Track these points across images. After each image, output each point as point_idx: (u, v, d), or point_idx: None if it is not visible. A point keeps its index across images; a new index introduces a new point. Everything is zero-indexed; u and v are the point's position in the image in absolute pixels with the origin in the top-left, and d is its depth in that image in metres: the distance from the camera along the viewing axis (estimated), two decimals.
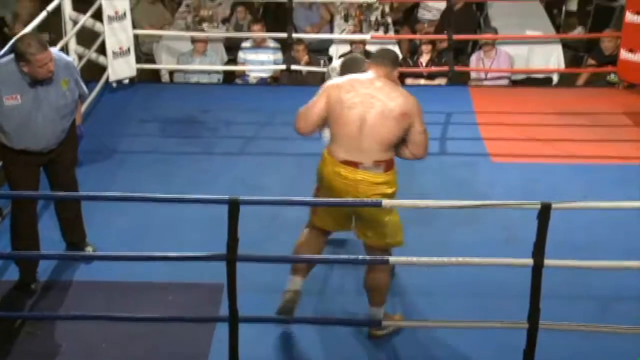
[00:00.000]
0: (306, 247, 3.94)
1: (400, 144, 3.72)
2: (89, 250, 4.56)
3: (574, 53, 8.30)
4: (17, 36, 4.10)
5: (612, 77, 6.97)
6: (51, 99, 4.01)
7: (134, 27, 6.86)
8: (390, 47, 7.48)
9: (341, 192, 3.68)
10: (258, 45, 7.42)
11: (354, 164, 3.64)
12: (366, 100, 3.62)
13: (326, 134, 3.90)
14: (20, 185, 4.14)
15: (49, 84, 3.98)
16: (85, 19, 6.42)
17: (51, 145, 4.13)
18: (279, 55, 7.44)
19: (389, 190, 3.70)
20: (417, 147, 3.73)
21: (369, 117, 3.60)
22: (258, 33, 7.35)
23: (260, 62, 7.40)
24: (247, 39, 7.51)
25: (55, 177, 4.29)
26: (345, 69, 4.01)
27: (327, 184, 3.74)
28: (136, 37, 7.06)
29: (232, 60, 7.73)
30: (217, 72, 7.44)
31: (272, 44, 7.48)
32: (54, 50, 4.10)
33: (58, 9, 6.20)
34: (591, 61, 7.32)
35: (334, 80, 3.83)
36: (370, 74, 3.73)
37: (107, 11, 6.43)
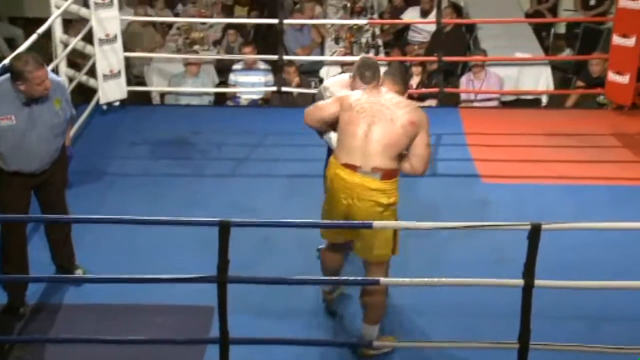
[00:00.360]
0: (327, 261, 4.08)
1: (402, 157, 3.76)
2: (78, 273, 4.53)
3: (563, 75, 8.38)
4: (11, 56, 4.13)
5: (601, 99, 7.03)
6: (45, 118, 4.02)
7: (125, 49, 6.89)
8: (381, 69, 7.55)
9: (339, 194, 3.74)
10: (249, 67, 7.45)
11: (353, 167, 3.69)
12: (375, 107, 3.70)
13: (333, 140, 3.90)
14: (10, 207, 4.11)
15: (43, 102, 3.99)
16: (75, 42, 6.43)
17: (44, 166, 4.13)
18: (270, 77, 7.47)
19: (384, 199, 3.70)
20: (419, 161, 3.73)
21: (376, 122, 3.67)
22: (249, 55, 7.39)
23: (251, 84, 7.43)
24: (238, 61, 7.54)
25: (46, 198, 4.29)
26: (359, 69, 3.99)
27: (329, 185, 3.81)
28: (127, 59, 7.08)
29: (223, 83, 7.76)
30: (208, 94, 7.46)
31: (262, 65, 7.51)
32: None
33: (48, 32, 6.21)
34: (580, 83, 7.38)
35: (346, 93, 3.90)
36: (381, 88, 3.82)
37: (97, 34, 6.45)
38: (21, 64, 3.86)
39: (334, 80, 4.42)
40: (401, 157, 3.74)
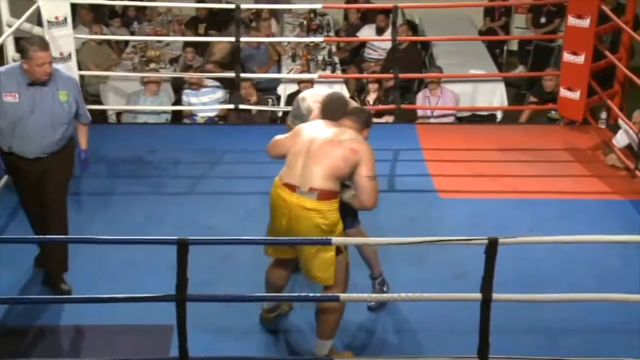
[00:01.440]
0: (272, 276, 4.10)
1: (351, 193, 3.83)
2: (66, 289, 4.52)
3: (516, 91, 8.52)
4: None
5: (553, 114, 7.17)
6: (46, 104, 4.21)
7: (80, 68, 6.81)
8: (338, 86, 7.62)
9: (277, 213, 3.81)
10: (197, 88, 7.42)
11: (292, 187, 3.74)
12: (321, 134, 3.79)
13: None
14: (24, 196, 4.42)
15: (46, 87, 4.21)
16: None
17: (39, 154, 4.27)
18: (220, 94, 7.45)
19: (320, 220, 3.72)
20: (363, 194, 3.77)
21: (317, 142, 3.75)
22: (204, 74, 7.36)
23: (203, 103, 7.41)
24: (189, 82, 7.50)
25: (44, 196, 4.36)
26: (323, 105, 4.08)
27: (271, 204, 3.86)
28: (82, 78, 7.00)
29: (179, 101, 7.72)
30: (166, 112, 7.42)
31: (210, 83, 7.48)
32: (60, 66, 4.39)
33: (0, 50, 6.13)
34: (532, 98, 7.51)
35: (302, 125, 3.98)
36: (335, 123, 3.89)
37: (52, 52, 6.36)
38: (28, 43, 4.16)
39: (312, 92, 4.51)
40: (338, 182, 3.77)
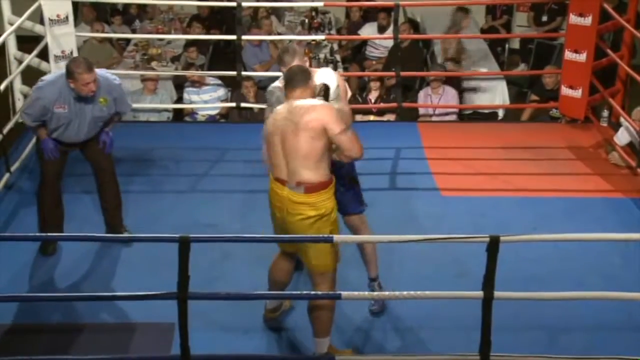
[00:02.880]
0: (275, 270, 4.11)
1: (337, 153, 3.83)
2: (127, 233, 5.05)
3: (518, 89, 8.52)
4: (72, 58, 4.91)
5: (554, 112, 7.16)
6: (88, 112, 4.71)
7: None
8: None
9: (274, 207, 3.87)
10: (199, 86, 7.42)
11: (283, 182, 3.79)
12: (283, 122, 3.76)
13: None
14: (48, 165, 4.80)
15: (89, 101, 4.66)
16: (30, 59, 6.35)
17: (80, 141, 4.84)
18: (222, 91, 7.45)
19: (312, 212, 3.75)
20: (344, 149, 3.76)
21: (287, 138, 3.74)
22: (205, 72, 7.35)
23: (204, 101, 7.41)
24: (190, 80, 7.50)
25: (94, 161, 4.97)
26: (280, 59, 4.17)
27: (269, 199, 3.90)
28: None
29: (182, 98, 7.72)
30: (167, 110, 7.41)
31: (212, 81, 7.48)
32: (101, 71, 4.82)
33: (2, 48, 6.13)
34: (534, 97, 7.50)
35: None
36: (287, 102, 3.85)
37: (53, 50, 6.37)
38: (74, 65, 4.57)
39: (276, 84, 4.40)
40: (325, 164, 3.76)
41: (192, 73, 7.54)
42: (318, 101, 3.84)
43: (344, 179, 4.13)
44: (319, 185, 3.75)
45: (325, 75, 4.14)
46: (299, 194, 3.74)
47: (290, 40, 8.40)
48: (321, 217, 3.77)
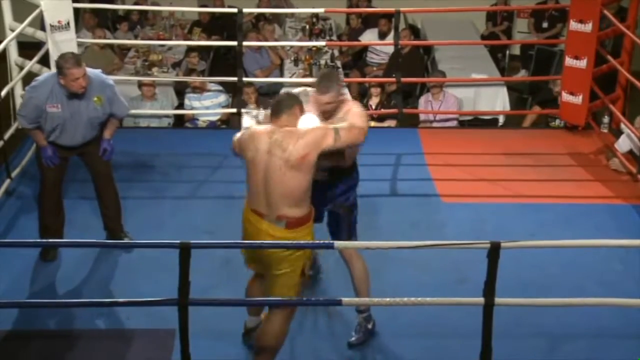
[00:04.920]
0: (252, 290, 4.01)
1: (339, 157, 3.76)
2: (127, 238, 5.01)
3: (519, 95, 8.53)
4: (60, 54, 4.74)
5: (555, 123, 7.17)
6: (83, 111, 4.65)
7: None
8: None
9: (248, 237, 3.73)
10: (200, 92, 7.42)
11: (260, 214, 3.65)
12: (267, 158, 3.58)
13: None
14: (48, 171, 4.78)
15: (82, 98, 4.61)
16: (31, 65, 6.36)
17: (80, 142, 4.78)
18: (223, 97, 7.45)
19: (289, 249, 3.62)
20: (351, 145, 3.70)
21: (270, 175, 3.58)
22: (206, 78, 7.36)
23: (205, 107, 7.41)
24: (192, 86, 7.50)
25: (92, 166, 4.93)
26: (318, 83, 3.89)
27: (243, 223, 3.78)
28: None
29: (183, 104, 7.72)
30: (167, 116, 7.42)
31: (213, 87, 7.49)
32: (94, 70, 4.76)
33: (3, 54, 6.14)
34: (537, 107, 7.46)
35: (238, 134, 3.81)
36: (270, 127, 3.67)
37: (54, 57, 6.36)
38: (62, 61, 4.51)
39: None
40: (307, 199, 3.63)
41: (193, 79, 7.54)
42: (298, 128, 3.63)
43: (339, 209, 4.06)
44: (300, 220, 3.64)
45: (308, 121, 3.79)
46: (279, 229, 3.62)
47: (291, 47, 8.43)
48: (299, 255, 3.66)
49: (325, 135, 3.62)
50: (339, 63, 8.29)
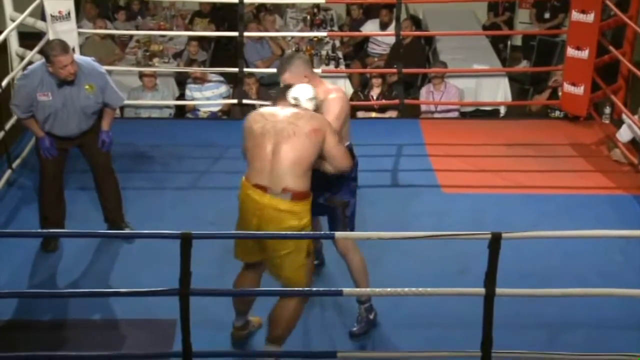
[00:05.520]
0: (241, 284, 3.99)
1: (321, 161, 3.75)
2: (128, 229, 5.01)
3: (520, 86, 8.51)
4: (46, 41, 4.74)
5: (556, 114, 7.17)
6: (75, 99, 4.59)
7: None
8: (341, 81, 7.61)
9: (249, 214, 3.73)
10: (201, 82, 7.41)
11: (264, 189, 3.65)
12: (278, 125, 3.66)
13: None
14: (47, 162, 4.75)
15: (73, 85, 4.56)
16: (32, 55, 6.35)
17: (75, 132, 4.73)
18: (224, 88, 7.44)
19: (294, 222, 3.65)
20: (337, 160, 3.73)
21: (281, 141, 3.63)
22: (207, 68, 7.35)
23: (206, 98, 7.40)
24: (193, 77, 7.49)
25: (91, 157, 4.90)
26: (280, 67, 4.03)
27: (240, 206, 3.78)
28: None
29: (184, 95, 7.72)
30: (168, 106, 7.41)
31: (214, 77, 7.48)
32: (85, 58, 4.74)
33: (4, 44, 6.13)
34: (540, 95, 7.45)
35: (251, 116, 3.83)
36: (279, 106, 3.78)
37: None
38: (49, 48, 4.48)
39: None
40: (309, 174, 3.68)
41: (193, 69, 7.54)
42: (313, 112, 3.75)
43: (332, 203, 4.06)
44: (303, 194, 3.66)
45: (300, 88, 3.84)
46: (284, 201, 3.62)
47: (292, 37, 8.41)
48: (300, 229, 3.67)
49: (334, 132, 3.70)
50: (340, 54, 8.27)
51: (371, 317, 4.26)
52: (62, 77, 4.50)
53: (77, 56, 4.57)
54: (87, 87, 4.60)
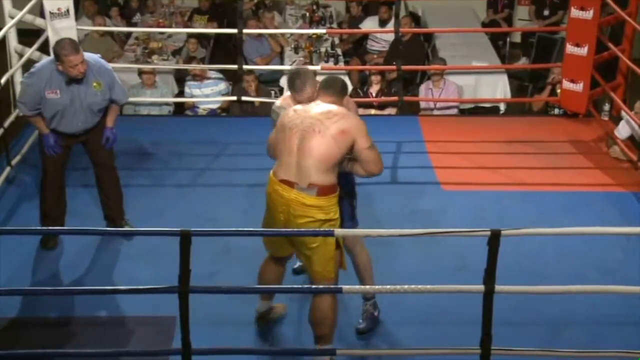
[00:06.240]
0: (266, 273, 4.04)
1: (354, 163, 3.78)
2: (128, 227, 5.01)
3: (519, 83, 8.50)
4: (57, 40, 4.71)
5: (555, 111, 7.17)
6: (83, 97, 4.62)
7: None
8: (341, 77, 7.61)
9: (276, 209, 3.76)
10: (200, 80, 7.40)
11: (290, 184, 3.69)
12: (306, 121, 3.69)
13: None
14: (49, 159, 4.76)
15: (81, 83, 4.58)
16: (31, 52, 6.34)
17: (81, 129, 4.75)
18: (223, 85, 7.44)
19: (321, 216, 3.69)
20: (368, 164, 3.75)
21: (307, 137, 3.66)
22: (205, 65, 7.35)
23: (205, 95, 7.40)
24: (192, 74, 7.48)
25: (94, 155, 4.91)
26: (289, 80, 4.02)
27: (267, 201, 3.82)
28: None
29: (183, 92, 7.71)
30: (167, 104, 7.41)
31: (213, 74, 7.47)
32: (93, 55, 4.73)
33: (3, 42, 6.12)
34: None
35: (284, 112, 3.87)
36: (316, 102, 3.81)
37: (54, 44, 6.35)
38: (59, 47, 4.47)
39: (281, 99, 4.40)
40: (336, 171, 3.72)
41: (192, 66, 7.54)
42: (348, 112, 3.77)
43: (343, 201, 4.02)
44: (329, 188, 3.70)
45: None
46: (310, 197, 3.66)
47: (292, 34, 8.40)
48: (329, 222, 3.72)
49: (366, 134, 3.72)
50: (339, 50, 8.27)
51: (376, 313, 4.27)
52: (72, 76, 4.52)
53: (85, 54, 4.58)
54: (95, 84, 4.62)
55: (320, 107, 3.76)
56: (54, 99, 4.58)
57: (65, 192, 4.98)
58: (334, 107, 3.76)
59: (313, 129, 3.66)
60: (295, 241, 3.83)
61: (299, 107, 3.84)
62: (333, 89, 3.85)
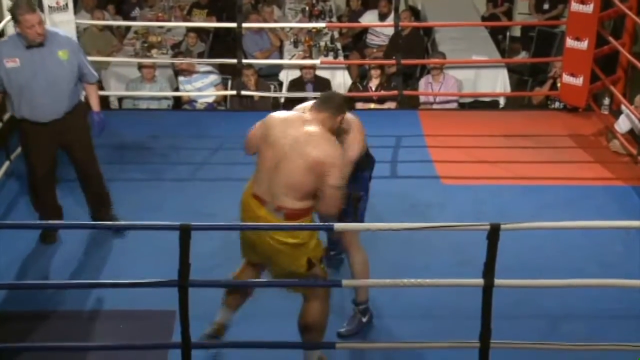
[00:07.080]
0: (241, 278, 3.94)
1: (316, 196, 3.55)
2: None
3: (519, 77, 8.49)
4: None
5: (555, 105, 7.16)
6: (47, 64, 4.37)
7: None
8: (340, 72, 7.61)
9: (246, 219, 3.65)
10: (189, 74, 7.36)
11: (262, 201, 3.56)
12: (288, 142, 3.48)
13: None
14: (34, 161, 4.58)
15: (43, 48, 4.35)
16: None
17: (53, 115, 4.45)
18: (213, 77, 7.40)
19: (288, 239, 3.52)
20: (323, 201, 3.50)
21: (283, 160, 3.47)
22: (194, 59, 7.31)
23: (197, 89, 7.37)
24: (179, 69, 7.45)
25: (75, 156, 4.71)
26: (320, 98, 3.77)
27: (241, 207, 3.69)
28: None
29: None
30: (166, 98, 7.39)
31: (202, 68, 7.44)
32: (59, 30, 4.55)
33: (1, 35, 6.10)
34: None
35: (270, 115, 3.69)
36: (306, 116, 3.59)
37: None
38: (15, 8, 4.30)
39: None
40: (314, 196, 3.53)
41: (182, 61, 7.45)
42: (333, 140, 3.52)
43: (347, 199, 3.89)
44: (298, 212, 3.52)
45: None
46: (277, 219, 3.52)
47: (291, 28, 8.39)
48: (297, 246, 3.55)
49: (339, 171, 3.47)
50: (338, 45, 8.25)
51: (364, 320, 4.20)
52: (31, 38, 4.30)
53: (53, 27, 4.43)
54: (60, 52, 4.40)
55: (308, 128, 3.51)
56: (14, 68, 4.33)
57: (57, 197, 4.87)
58: (320, 131, 3.50)
59: (294, 153, 3.45)
60: (262, 254, 3.67)
61: (289, 116, 3.62)
62: (329, 104, 3.59)
